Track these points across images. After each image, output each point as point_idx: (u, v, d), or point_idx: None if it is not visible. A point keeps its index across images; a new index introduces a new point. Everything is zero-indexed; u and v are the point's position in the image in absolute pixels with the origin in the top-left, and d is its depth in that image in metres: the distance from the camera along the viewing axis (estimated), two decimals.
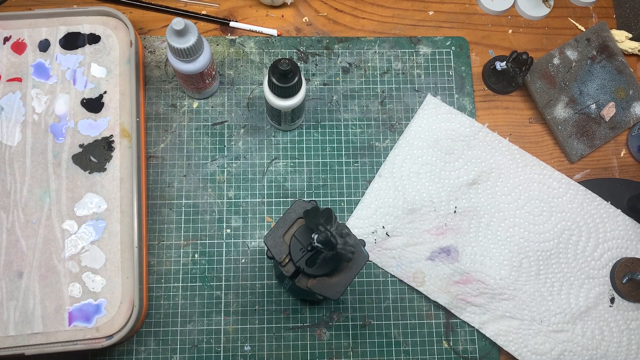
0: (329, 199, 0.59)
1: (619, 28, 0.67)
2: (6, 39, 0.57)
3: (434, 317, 0.57)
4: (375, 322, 0.56)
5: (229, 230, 0.58)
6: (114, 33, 0.58)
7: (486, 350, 0.56)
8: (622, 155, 0.63)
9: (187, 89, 0.59)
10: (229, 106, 0.61)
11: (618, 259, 0.58)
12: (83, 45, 0.58)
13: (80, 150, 0.55)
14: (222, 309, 0.55)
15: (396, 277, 0.57)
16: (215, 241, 0.57)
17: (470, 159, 0.59)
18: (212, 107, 0.61)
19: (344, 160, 0.60)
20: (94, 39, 0.58)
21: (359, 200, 0.59)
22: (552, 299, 0.56)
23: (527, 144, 0.62)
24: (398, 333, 0.56)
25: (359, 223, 0.57)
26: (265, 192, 0.59)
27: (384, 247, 0.57)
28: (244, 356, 0.55)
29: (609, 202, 0.59)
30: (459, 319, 0.56)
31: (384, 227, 0.57)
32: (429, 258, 0.57)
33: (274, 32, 0.64)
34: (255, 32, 0.64)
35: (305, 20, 0.65)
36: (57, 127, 0.55)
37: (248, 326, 0.55)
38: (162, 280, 0.56)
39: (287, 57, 0.49)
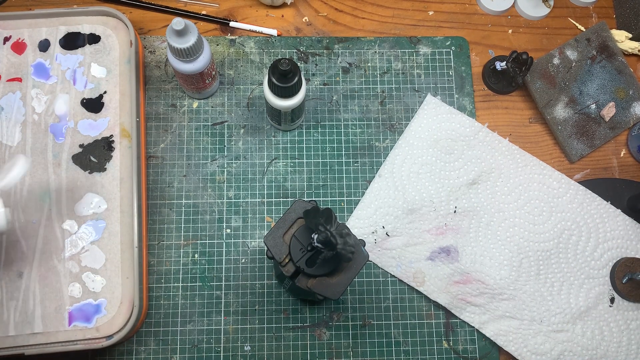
0: (329, 199, 0.59)
1: (619, 28, 0.67)
2: (6, 39, 0.57)
3: (434, 317, 0.57)
4: (375, 322, 0.56)
5: (229, 230, 0.58)
6: (114, 33, 0.58)
7: (486, 350, 0.56)
8: (622, 155, 0.63)
9: (187, 89, 0.59)
10: (229, 106, 0.61)
11: (618, 259, 0.58)
12: (83, 45, 0.58)
13: (80, 150, 0.55)
14: (222, 309, 0.55)
15: (396, 277, 0.57)
16: (215, 241, 0.57)
17: (470, 159, 0.59)
18: (212, 107, 0.61)
19: (344, 160, 0.60)
20: (94, 39, 0.58)
21: (359, 200, 0.59)
22: (552, 299, 0.56)
23: (527, 144, 0.62)
24: (398, 333, 0.56)
25: (359, 223, 0.57)
26: (265, 192, 0.59)
27: (384, 247, 0.57)
28: (244, 356, 0.55)
29: (609, 202, 0.59)
30: (459, 319, 0.56)
31: (384, 227, 0.57)
32: (429, 258, 0.57)
33: (274, 32, 0.64)
34: (255, 32, 0.64)
35: (305, 20, 0.65)
36: (57, 127, 0.55)
37: (248, 326, 0.55)
38: (162, 280, 0.56)
39: (287, 57, 0.49)
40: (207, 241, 0.57)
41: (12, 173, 0.46)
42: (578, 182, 0.60)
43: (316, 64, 0.63)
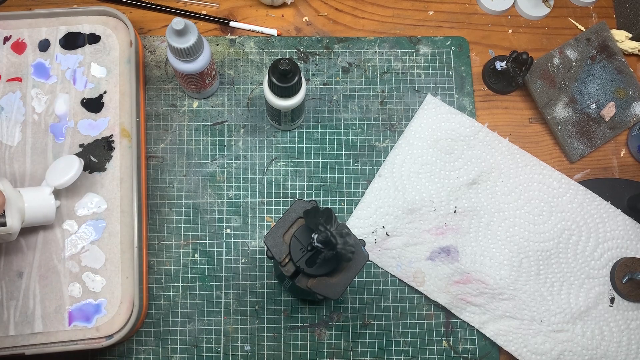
0: (329, 199, 0.59)
1: (619, 28, 0.67)
2: (6, 39, 0.57)
3: (434, 317, 0.57)
4: (375, 322, 0.56)
5: (229, 230, 0.58)
6: (114, 33, 0.58)
7: (486, 350, 0.56)
8: (622, 155, 0.63)
9: (187, 89, 0.59)
10: (229, 106, 0.61)
11: (618, 259, 0.58)
12: (83, 45, 0.58)
13: (80, 150, 0.55)
14: (222, 309, 0.55)
15: (396, 277, 0.57)
16: (215, 241, 0.57)
17: (470, 159, 0.59)
18: (212, 107, 0.61)
19: (344, 160, 0.60)
20: (94, 38, 0.58)
21: (359, 200, 0.59)
22: (552, 299, 0.56)
23: (527, 144, 0.62)
24: (398, 333, 0.56)
25: (359, 223, 0.57)
26: (265, 192, 0.59)
27: (384, 247, 0.57)
28: (244, 356, 0.55)
29: (609, 202, 0.59)
30: (459, 319, 0.56)
31: (384, 227, 0.57)
32: (429, 258, 0.57)
33: (274, 32, 0.64)
34: (255, 32, 0.64)
35: (305, 20, 0.65)
36: (57, 127, 0.55)
37: (248, 326, 0.55)
38: (162, 280, 0.56)
39: (287, 57, 0.49)
40: (207, 241, 0.57)
41: (70, 174, 0.49)
42: (578, 182, 0.60)
43: (316, 64, 0.63)
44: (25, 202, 0.48)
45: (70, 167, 0.50)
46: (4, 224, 0.45)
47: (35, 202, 0.48)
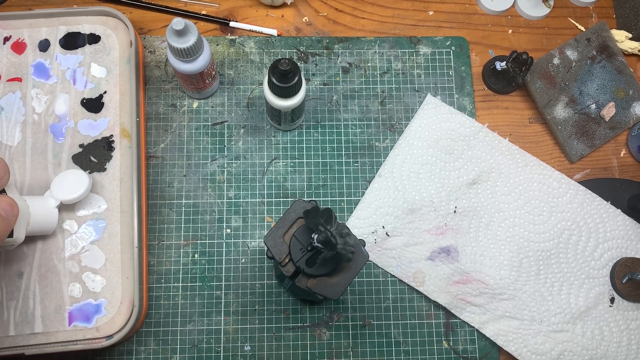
0: (329, 199, 0.59)
1: (619, 28, 0.67)
2: (6, 39, 0.57)
3: (434, 317, 0.57)
4: (375, 322, 0.56)
5: (229, 230, 0.58)
6: (114, 33, 0.58)
7: (486, 350, 0.56)
8: (622, 155, 0.63)
9: (187, 89, 0.59)
10: (229, 106, 0.61)
11: (618, 259, 0.58)
12: (83, 45, 0.58)
13: (80, 150, 0.55)
14: (222, 309, 0.55)
15: (396, 277, 0.57)
16: (215, 241, 0.57)
17: (470, 159, 0.59)
18: (212, 107, 0.61)
19: (344, 160, 0.60)
20: (94, 39, 0.58)
21: (359, 200, 0.59)
22: (552, 299, 0.56)
23: (527, 144, 0.62)
24: (398, 333, 0.56)
25: (359, 223, 0.57)
26: (265, 192, 0.59)
27: (384, 247, 0.57)
28: (244, 356, 0.55)
29: (609, 202, 0.59)
30: (459, 319, 0.56)
31: (384, 227, 0.57)
32: (429, 258, 0.57)
33: (274, 32, 0.64)
34: (255, 32, 0.64)
35: (305, 20, 0.65)
36: (57, 127, 0.55)
37: (248, 326, 0.55)
38: (162, 280, 0.56)
39: (287, 57, 0.49)
40: (207, 241, 0.57)
41: (79, 192, 0.50)
42: (578, 182, 0.60)
43: (316, 64, 0.63)
44: (30, 213, 0.47)
45: (79, 185, 0.50)
46: (11, 235, 0.44)
47: (40, 213, 0.48)
